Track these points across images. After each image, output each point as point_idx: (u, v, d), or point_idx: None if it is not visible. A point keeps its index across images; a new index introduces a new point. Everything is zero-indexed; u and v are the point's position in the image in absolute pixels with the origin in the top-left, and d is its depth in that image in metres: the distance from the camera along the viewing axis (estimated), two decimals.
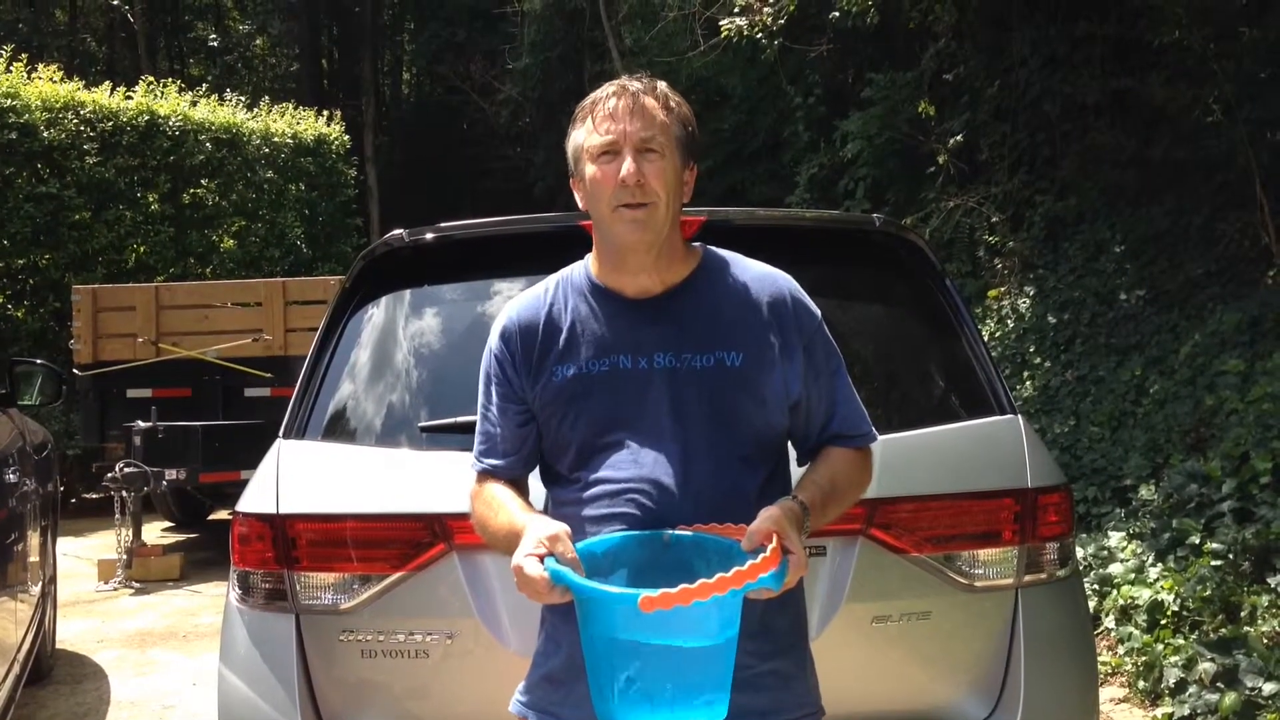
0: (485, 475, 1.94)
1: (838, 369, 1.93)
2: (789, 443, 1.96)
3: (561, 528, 1.71)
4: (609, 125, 1.81)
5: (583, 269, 1.94)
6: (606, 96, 1.84)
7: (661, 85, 1.87)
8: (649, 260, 1.85)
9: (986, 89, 10.08)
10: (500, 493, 1.89)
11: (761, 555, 1.58)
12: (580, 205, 1.90)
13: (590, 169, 1.82)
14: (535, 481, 1.98)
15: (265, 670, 2.45)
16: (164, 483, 7.68)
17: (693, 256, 1.92)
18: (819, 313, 1.92)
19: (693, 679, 1.58)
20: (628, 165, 1.78)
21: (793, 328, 1.87)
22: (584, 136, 1.84)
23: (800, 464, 1.94)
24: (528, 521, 1.76)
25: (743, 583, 1.53)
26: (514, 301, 1.97)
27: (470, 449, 1.97)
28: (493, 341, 1.94)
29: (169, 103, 12.85)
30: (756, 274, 1.92)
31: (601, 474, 1.83)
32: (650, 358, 1.84)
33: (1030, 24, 9.38)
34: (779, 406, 1.86)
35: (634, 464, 1.81)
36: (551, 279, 1.96)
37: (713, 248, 1.96)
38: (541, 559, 1.65)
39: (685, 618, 1.51)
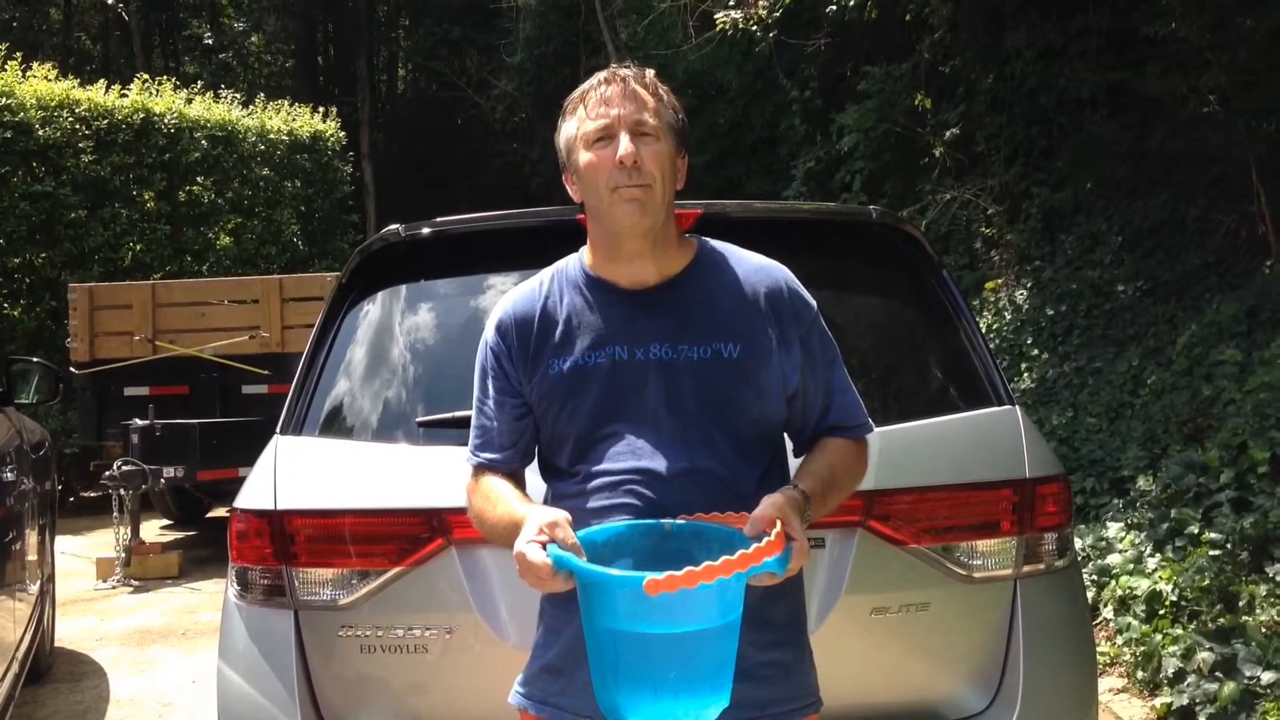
0: (481, 469, 1.93)
1: (834, 360, 1.93)
2: (785, 434, 1.96)
3: (562, 515, 1.70)
4: (602, 110, 1.81)
5: (577, 261, 1.94)
6: (598, 84, 1.85)
7: (650, 73, 1.88)
8: (645, 246, 1.84)
9: (982, 81, 10.08)
10: (498, 485, 1.89)
11: (766, 540, 1.58)
12: (574, 198, 1.90)
13: (585, 156, 1.82)
14: (532, 476, 1.98)
15: (264, 666, 2.44)
16: (162, 480, 7.67)
17: (688, 248, 1.92)
18: (815, 304, 1.92)
19: (696, 666, 1.58)
20: (625, 145, 1.77)
21: (790, 319, 1.87)
22: (576, 125, 1.85)
23: (797, 455, 1.95)
24: (527, 511, 1.76)
25: (747, 566, 1.53)
26: (509, 295, 1.97)
27: (468, 444, 1.97)
28: (488, 335, 1.94)
29: (164, 100, 12.83)
30: (753, 265, 1.92)
31: (600, 466, 1.83)
32: (646, 349, 1.83)
33: (1025, 17, 9.37)
34: (776, 398, 1.87)
35: (632, 455, 1.81)
36: (546, 272, 1.96)
37: (708, 239, 1.96)
38: (543, 546, 1.65)
39: (689, 602, 1.51)
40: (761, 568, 1.55)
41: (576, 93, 1.88)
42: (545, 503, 1.92)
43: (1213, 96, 7.63)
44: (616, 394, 1.83)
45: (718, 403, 1.82)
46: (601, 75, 1.86)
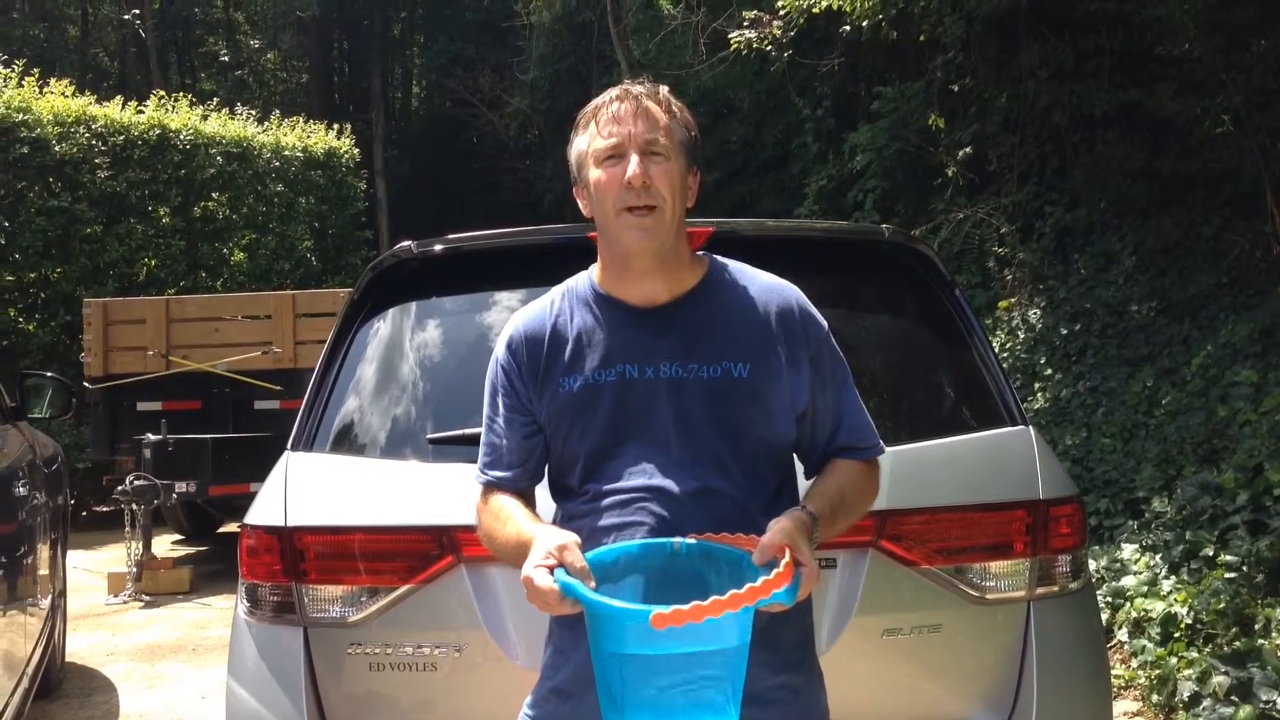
0: (491, 488, 1.93)
1: (845, 381, 1.92)
2: (796, 455, 1.95)
3: (571, 537, 1.70)
4: (613, 128, 1.80)
5: (587, 279, 1.93)
6: (610, 100, 1.84)
7: (664, 90, 1.87)
8: (654, 266, 1.84)
9: (995, 100, 10.08)
10: (507, 503, 1.88)
11: (774, 571, 1.57)
12: (584, 213, 1.89)
13: (595, 173, 1.82)
14: (543, 495, 1.97)
15: (273, 683, 2.44)
16: (174, 495, 7.68)
17: (699, 266, 1.91)
18: (826, 324, 1.91)
19: (703, 691, 1.58)
20: (634, 165, 1.77)
21: (800, 338, 1.86)
22: (587, 141, 1.84)
23: (807, 476, 1.93)
24: (536, 532, 1.75)
25: (756, 599, 1.52)
26: (520, 313, 1.96)
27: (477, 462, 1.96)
28: (499, 352, 1.94)
29: (180, 117, 12.93)
30: (764, 284, 1.91)
31: (611, 485, 1.82)
32: (656, 368, 1.83)
33: (1038, 36, 9.38)
34: (785, 418, 1.86)
35: (643, 474, 1.80)
36: (557, 290, 1.96)
37: (719, 257, 1.95)
38: (551, 570, 1.64)
39: (696, 632, 1.50)
40: (770, 600, 1.55)
41: (589, 107, 1.87)
42: (555, 523, 1.91)
43: (1226, 117, 7.61)
44: (627, 412, 1.82)
45: (727, 422, 1.81)
46: (614, 92, 1.86)
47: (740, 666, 1.60)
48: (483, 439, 1.95)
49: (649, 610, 1.49)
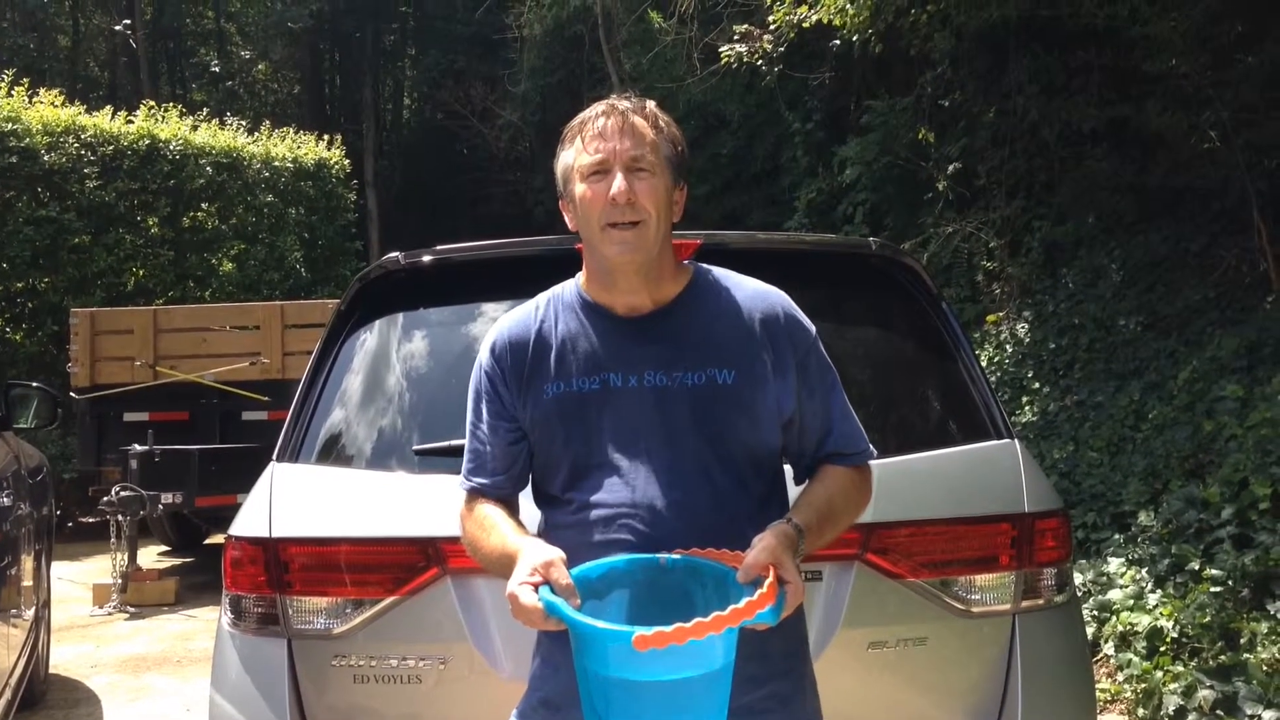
0: (475, 495, 1.92)
1: (834, 386, 1.91)
2: (785, 462, 1.95)
3: (557, 553, 1.69)
4: (599, 144, 1.80)
5: (573, 286, 1.93)
6: (595, 116, 1.84)
7: (650, 104, 1.88)
8: (639, 281, 1.84)
9: (984, 115, 10.13)
10: (492, 513, 1.87)
11: (758, 591, 1.56)
12: (570, 226, 1.90)
13: (580, 188, 1.82)
14: (527, 502, 1.97)
15: (256, 695, 2.42)
16: (160, 507, 7.65)
17: (683, 274, 1.92)
18: (813, 328, 1.91)
19: (688, 709, 1.57)
20: (618, 183, 1.77)
21: (785, 344, 1.86)
22: (573, 156, 1.84)
23: (797, 483, 1.93)
24: (521, 545, 1.74)
25: (739, 620, 1.52)
26: (505, 318, 1.96)
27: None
28: (483, 358, 1.93)
29: (170, 127, 12.91)
30: (749, 291, 1.91)
31: (594, 498, 1.81)
32: (641, 376, 1.83)
33: (1027, 52, 9.43)
34: (771, 424, 1.85)
35: (627, 487, 1.80)
36: (542, 296, 1.96)
37: (705, 265, 1.95)
38: (536, 587, 1.64)
39: (680, 653, 1.50)
40: (754, 620, 1.54)
41: (575, 121, 1.87)
42: (539, 531, 1.90)
43: (1213, 132, 7.66)
44: (610, 421, 1.82)
45: (712, 430, 1.81)
46: (600, 107, 1.86)
47: (725, 685, 1.60)
48: (467, 445, 1.94)
49: (631, 631, 1.49)
